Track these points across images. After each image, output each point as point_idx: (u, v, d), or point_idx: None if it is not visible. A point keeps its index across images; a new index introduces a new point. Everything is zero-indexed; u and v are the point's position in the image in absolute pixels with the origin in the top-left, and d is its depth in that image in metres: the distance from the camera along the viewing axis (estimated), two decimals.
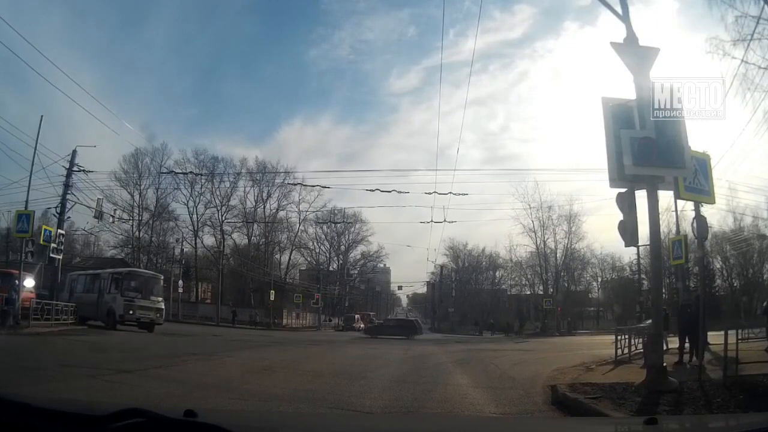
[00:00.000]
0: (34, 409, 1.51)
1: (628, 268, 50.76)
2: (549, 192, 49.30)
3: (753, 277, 43.96)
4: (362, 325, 52.12)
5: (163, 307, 22.20)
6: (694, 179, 11.44)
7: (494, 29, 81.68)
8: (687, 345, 11.36)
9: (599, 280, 59.36)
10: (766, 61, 9.78)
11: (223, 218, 49.53)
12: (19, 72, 63.27)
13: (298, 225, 54.57)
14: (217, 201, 49.54)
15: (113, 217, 33.09)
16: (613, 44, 7.68)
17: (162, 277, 24.84)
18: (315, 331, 45.09)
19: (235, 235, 51.89)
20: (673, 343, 12.40)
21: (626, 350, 12.63)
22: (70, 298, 22.10)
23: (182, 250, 44.61)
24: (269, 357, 12.82)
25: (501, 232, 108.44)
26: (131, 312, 19.59)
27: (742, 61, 9.85)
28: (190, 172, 42.30)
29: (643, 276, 39.82)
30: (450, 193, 25.15)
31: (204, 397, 6.32)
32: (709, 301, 19.79)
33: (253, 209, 51.30)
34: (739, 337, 8.67)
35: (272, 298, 43.27)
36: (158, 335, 19.02)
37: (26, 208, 19.57)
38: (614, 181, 7.65)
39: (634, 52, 7.58)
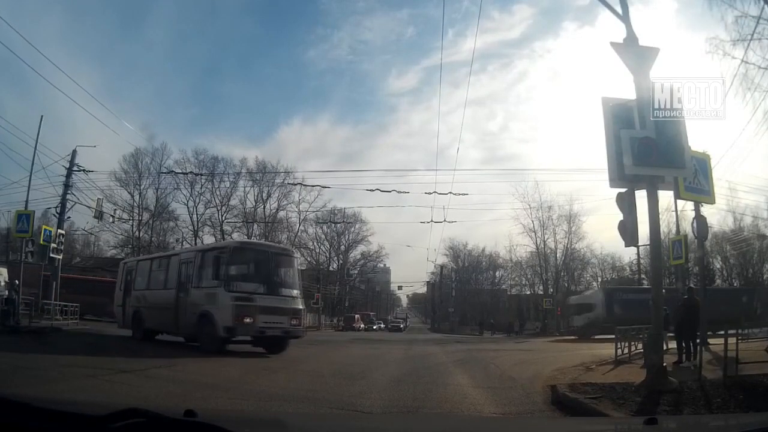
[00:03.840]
0: (34, 409, 1.50)
1: (628, 268, 50.96)
2: (549, 192, 49.43)
3: (753, 277, 43.99)
4: (362, 325, 52.15)
5: (302, 306, 13.28)
6: (694, 179, 11.44)
7: (493, 29, 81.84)
8: (684, 345, 11.39)
9: (599, 280, 59.35)
10: (766, 61, 9.80)
11: (223, 218, 49.49)
12: (19, 72, 63.47)
13: (298, 225, 54.49)
14: (217, 201, 49.49)
15: (113, 217, 33.14)
16: (613, 44, 7.69)
17: (296, 255, 15.33)
18: (315, 330, 45.07)
19: (235, 235, 51.78)
20: (672, 342, 12.41)
21: (626, 350, 12.63)
22: (124, 299, 15.85)
23: None
24: (269, 357, 12.81)
25: (501, 232, 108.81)
26: (248, 320, 11.39)
27: (742, 61, 9.88)
28: (190, 172, 42.19)
29: (643, 276, 39.85)
30: (450, 193, 25.23)
31: (204, 397, 6.31)
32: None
33: (253, 209, 51.25)
34: (739, 337, 8.64)
35: None
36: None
37: (26, 208, 19.55)
38: (614, 181, 7.66)
39: (634, 52, 7.58)
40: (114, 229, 43.36)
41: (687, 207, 16.80)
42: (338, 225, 56.93)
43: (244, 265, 12.72)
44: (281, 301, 12.28)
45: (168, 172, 41.96)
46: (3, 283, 20.29)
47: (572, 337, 30.97)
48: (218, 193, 49.40)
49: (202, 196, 49.22)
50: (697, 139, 12.63)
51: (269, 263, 12.73)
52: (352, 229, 59.76)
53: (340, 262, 63.26)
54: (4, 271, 22.43)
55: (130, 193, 46.50)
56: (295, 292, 12.97)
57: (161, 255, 17.47)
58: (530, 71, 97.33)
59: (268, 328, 11.80)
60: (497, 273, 63.25)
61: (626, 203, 7.67)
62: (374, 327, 55.02)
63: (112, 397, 5.67)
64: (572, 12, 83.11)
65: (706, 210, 15.10)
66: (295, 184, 42.80)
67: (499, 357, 14.48)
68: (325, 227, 58.19)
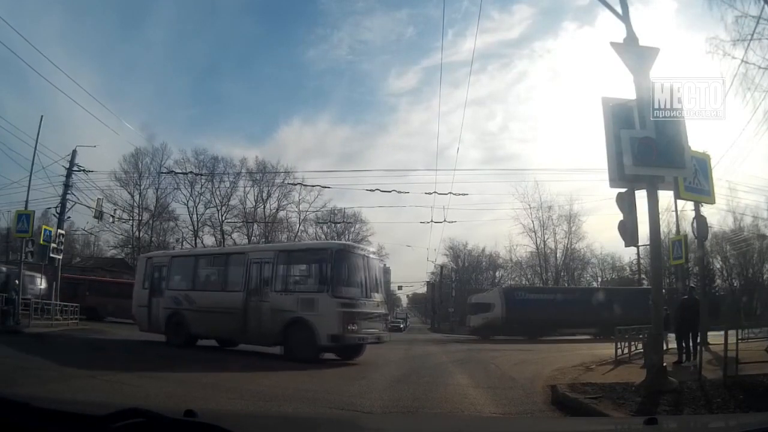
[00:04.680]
0: (33, 409, 1.50)
1: (628, 268, 50.92)
2: (549, 192, 49.61)
3: (753, 277, 44.05)
4: None
5: (386, 311, 13.48)
6: (694, 179, 11.44)
7: (492, 29, 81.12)
8: (684, 345, 11.40)
9: (599, 280, 59.36)
10: (766, 61, 9.81)
11: (223, 218, 49.50)
12: (19, 72, 63.35)
13: (298, 225, 54.47)
14: (217, 201, 49.50)
15: (113, 217, 33.09)
16: (613, 44, 7.68)
17: (383, 262, 15.42)
18: None
19: (235, 235, 51.79)
20: (672, 342, 12.41)
21: (626, 350, 12.64)
22: (150, 299, 13.96)
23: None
24: (269, 356, 12.80)
25: (501, 232, 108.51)
26: (353, 327, 10.97)
27: (742, 61, 9.90)
28: (190, 172, 42.18)
29: (643, 276, 39.84)
30: (450, 193, 25.17)
31: (204, 397, 6.32)
32: (708, 301, 19.89)
33: (253, 209, 51.27)
34: (739, 337, 8.64)
35: None
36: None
37: (26, 208, 19.53)
38: (614, 181, 7.66)
39: (634, 52, 7.58)
40: (114, 229, 43.49)
41: (687, 207, 16.81)
42: (338, 225, 56.75)
43: (346, 270, 11.76)
44: (376, 306, 12.23)
45: (168, 172, 42.03)
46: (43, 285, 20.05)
47: (471, 337, 29.46)
48: (218, 193, 49.45)
49: (202, 196, 49.29)
50: (697, 139, 12.65)
51: (366, 268, 12.30)
52: (352, 229, 59.64)
53: None
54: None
55: (130, 193, 46.61)
56: (379, 298, 12.80)
57: (212, 251, 16.44)
58: (530, 71, 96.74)
59: (368, 334, 11.52)
60: (497, 273, 63.24)
61: (626, 203, 7.67)
62: None
63: (112, 397, 5.66)
64: (572, 12, 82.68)
65: (706, 210, 15.13)
66: (295, 184, 42.76)
67: (499, 357, 14.48)
68: (325, 227, 58.05)
